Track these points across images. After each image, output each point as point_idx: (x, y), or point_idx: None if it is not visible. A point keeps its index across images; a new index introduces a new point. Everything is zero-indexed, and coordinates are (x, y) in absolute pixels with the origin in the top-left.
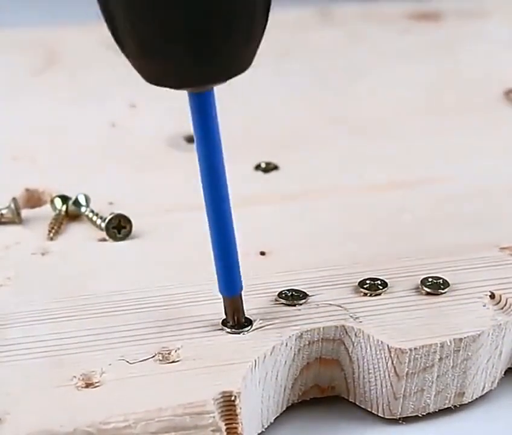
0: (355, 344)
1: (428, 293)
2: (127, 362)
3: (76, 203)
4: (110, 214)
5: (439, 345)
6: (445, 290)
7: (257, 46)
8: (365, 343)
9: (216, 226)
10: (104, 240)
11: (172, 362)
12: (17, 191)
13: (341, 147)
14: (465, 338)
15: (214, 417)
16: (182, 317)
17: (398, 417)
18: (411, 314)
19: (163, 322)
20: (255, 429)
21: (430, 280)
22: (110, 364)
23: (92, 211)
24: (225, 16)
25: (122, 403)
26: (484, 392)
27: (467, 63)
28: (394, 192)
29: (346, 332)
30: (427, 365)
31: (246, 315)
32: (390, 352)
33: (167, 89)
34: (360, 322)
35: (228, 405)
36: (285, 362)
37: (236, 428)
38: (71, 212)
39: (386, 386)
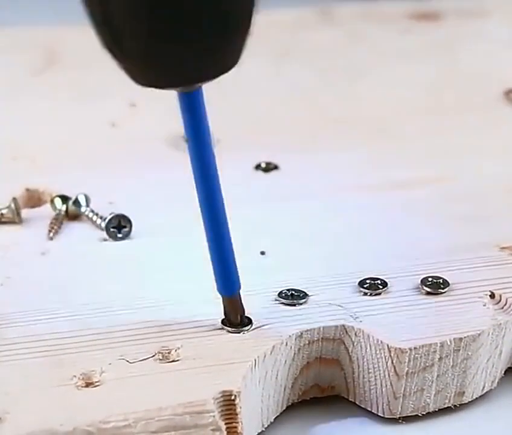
0: (355, 344)
1: (428, 293)
2: (127, 361)
3: (77, 203)
4: (110, 214)
5: (439, 344)
6: (445, 289)
7: (243, 43)
8: (365, 343)
9: (210, 225)
10: (104, 240)
11: (172, 361)
12: (17, 191)
13: (341, 147)
14: (465, 337)
15: (214, 416)
16: (182, 317)
17: (398, 416)
18: (411, 314)
19: (163, 322)
20: (255, 428)
21: (430, 279)
22: (110, 363)
23: (92, 211)
24: (210, 14)
25: (122, 402)
26: (484, 391)
27: (467, 63)
28: (394, 192)
29: (346, 332)
30: (427, 364)
31: (246, 315)
32: (390, 352)
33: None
34: (360, 321)
35: (228, 404)
36: (285, 361)
37: (236, 427)
38: (71, 212)
39: (386, 385)
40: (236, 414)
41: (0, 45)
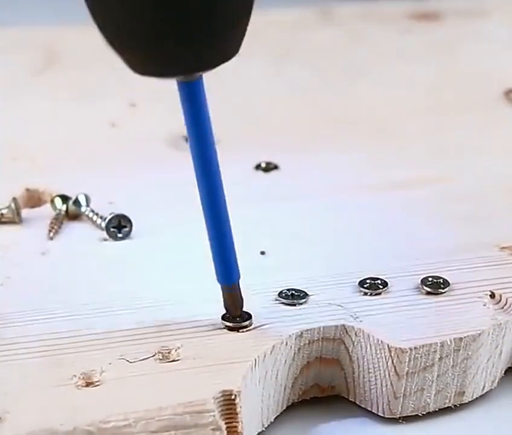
0: (355, 344)
1: (428, 293)
2: (127, 361)
3: (77, 203)
4: (111, 214)
5: (439, 344)
6: (446, 289)
7: (243, 32)
8: (365, 342)
9: (210, 213)
10: (104, 239)
11: (173, 361)
12: (17, 191)
13: (341, 147)
14: (465, 337)
15: (214, 415)
16: (182, 317)
17: (398, 416)
18: (411, 313)
19: (163, 322)
20: (255, 428)
21: (430, 279)
22: (110, 363)
23: (92, 211)
24: (210, 2)
25: (122, 402)
26: (484, 391)
27: (467, 63)
28: (394, 192)
29: (347, 331)
30: (427, 364)
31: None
32: (390, 351)
33: (164, 86)
34: (360, 321)
35: (228, 404)
36: (286, 361)
37: (236, 426)
38: (71, 212)
39: (386, 385)
40: (237, 414)
41: (0, 45)
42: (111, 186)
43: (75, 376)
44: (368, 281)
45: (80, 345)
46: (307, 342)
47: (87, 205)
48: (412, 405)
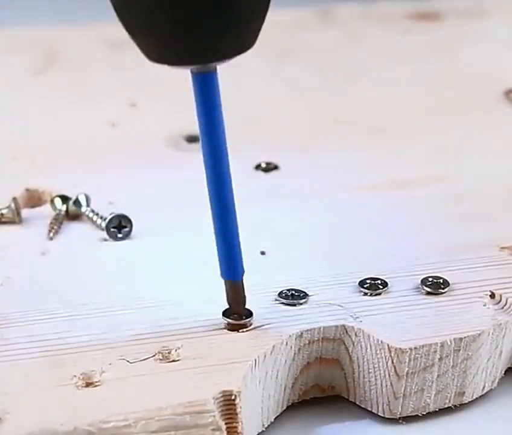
0: (355, 344)
1: (428, 293)
2: (127, 361)
3: (77, 203)
4: (111, 214)
5: (439, 344)
6: (446, 289)
7: (261, 24)
8: (365, 343)
9: (218, 208)
10: (104, 240)
11: (173, 361)
12: (17, 191)
13: (341, 147)
14: (465, 337)
15: (214, 416)
16: (182, 317)
17: (398, 416)
18: (411, 314)
19: (163, 322)
20: (255, 428)
21: (430, 279)
22: (110, 364)
23: (93, 211)
24: None
25: (122, 402)
26: (484, 391)
27: (467, 63)
28: (394, 192)
29: (347, 332)
30: (427, 364)
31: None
32: (390, 352)
33: (164, 86)
34: (360, 321)
35: (228, 404)
36: (286, 361)
37: (236, 427)
38: (71, 212)
39: (386, 385)
40: (237, 414)
41: (0, 45)
42: (111, 186)
43: (75, 376)
44: (368, 281)
45: (80, 346)
46: (307, 342)
47: (88, 205)
48: (412, 405)
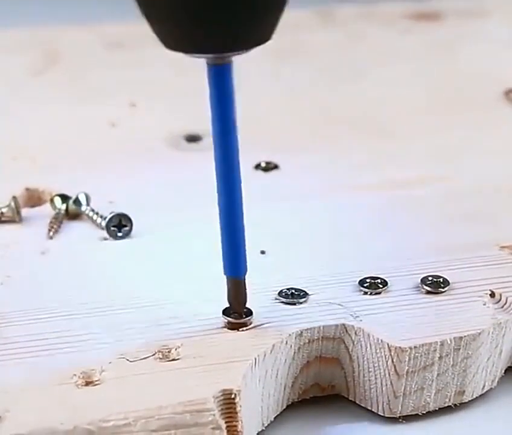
0: (355, 343)
1: (428, 292)
2: (127, 360)
3: (77, 202)
4: (111, 213)
5: (439, 343)
6: (446, 289)
7: (278, 17)
8: (365, 342)
9: (226, 204)
10: (104, 239)
11: (173, 360)
12: (17, 191)
13: (341, 147)
14: (465, 336)
15: (214, 415)
16: (182, 315)
17: (398, 415)
18: (411, 313)
19: (163, 321)
20: (255, 427)
21: (430, 278)
22: (110, 362)
23: (93, 210)
24: None
25: (122, 401)
26: (484, 391)
27: (467, 63)
28: (394, 192)
29: (346, 331)
30: (427, 363)
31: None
32: (390, 351)
33: (164, 87)
34: (360, 320)
35: (228, 403)
36: (286, 360)
37: (236, 426)
38: (72, 212)
39: (386, 384)
40: (237, 413)
41: (0, 44)
42: (111, 186)
43: (75, 375)
44: (367, 280)
45: (80, 345)
46: (307, 341)
47: (88, 204)
48: (412, 404)
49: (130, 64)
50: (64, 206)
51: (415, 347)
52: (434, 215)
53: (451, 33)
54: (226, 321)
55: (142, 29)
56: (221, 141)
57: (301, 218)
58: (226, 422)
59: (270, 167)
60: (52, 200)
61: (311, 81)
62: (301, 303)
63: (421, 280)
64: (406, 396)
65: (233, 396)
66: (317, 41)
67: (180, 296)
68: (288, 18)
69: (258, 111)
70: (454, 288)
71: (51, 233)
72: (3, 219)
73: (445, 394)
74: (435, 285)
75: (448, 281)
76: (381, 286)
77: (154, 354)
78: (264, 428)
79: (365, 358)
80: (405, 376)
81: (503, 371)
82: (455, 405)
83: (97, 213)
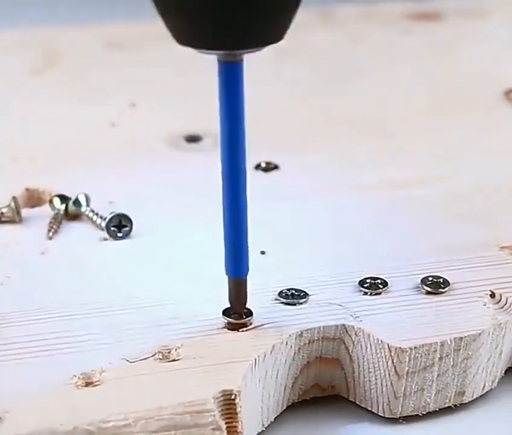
0: (355, 343)
1: (428, 293)
2: (127, 361)
3: (77, 202)
4: (111, 213)
5: (439, 344)
6: (446, 289)
7: (291, 17)
8: (365, 342)
9: (231, 202)
10: (104, 239)
11: (173, 360)
12: (17, 191)
13: (341, 147)
14: (465, 337)
15: (214, 415)
16: (182, 316)
17: (399, 416)
18: (411, 313)
19: (163, 321)
20: (255, 428)
21: (430, 279)
22: (110, 363)
23: (92, 211)
24: None
25: (122, 401)
26: (484, 391)
27: (467, 63)
28: (394, 192)
29: (347, 331)
30: (427, 364)
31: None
32: (390, 351)
33: (164, 87)
34: (361, 321)
35: (228, 404)
36: (286, 361)
37: (236, 426)
38: (71, 212)
39: (386, 385)
40: (237, 414)
41: (0, 44)
42: (111, 186)
43: (75, 375)
44: (368, 280)
45: (80, 345)
46: (307, 341)
47: (87, 205)
48: (412, 405)
49: (130, 64)
50: (63, 207)
51: (415, 347)
52: (434, 215)
53: (452, 33)
54: (226, 321)
55: (142, 29)
56: (228, 140)
57: (301, 218)
58: (226, 423)
59: (270, 167)
60: (51, 201)
61: (311, 81)
62: (301, 303)
63: (421, 280)
64: (406, 397)
65: (233, 396)
66: (317, 41)
67: (180, 296)
68: None
69: (258, 111)
70: (455, 288)
71: (51, 234)
72: (3, 219)
73: (446, 395)
74: (435, 285)
75: (448, 282)
76: (381, 286)
77: (154, 355)
78: (264, 429)
79: (365, 359)
80: (405, 376)
81: (503, 372)
82: (455, 405)
83: (97, 214)
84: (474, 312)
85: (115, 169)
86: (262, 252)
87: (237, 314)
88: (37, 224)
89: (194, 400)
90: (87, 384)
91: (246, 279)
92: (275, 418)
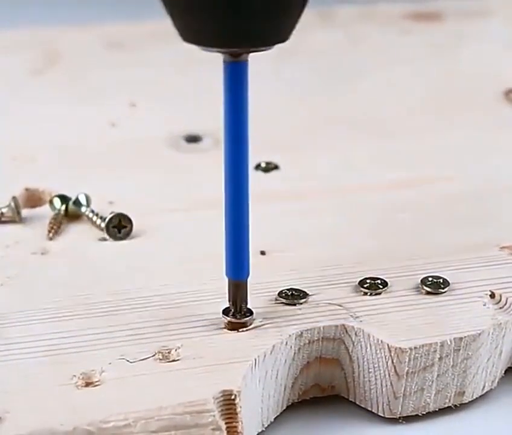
0: (355, 343)
1: (428, 293)
2: (127, 361)
3: (77, 203)
4: (111, 214)
5: (439, 344)
6: (445, 289)
7: (297, 19)
8: (365, 342)
9: (233, 204)
10: (104, 239)
11: (173, 361)
12: (17, 191)
13: (341, 147)
14: (465, 337)
15: (214, 415)
16: (182, 316)
17: (398, 416)
18: (411, 313)
19: (163, 321)
20: (255, 428)
21: (430, 279)
22: (110, 363)
23: (92, 211)
24: None
25: (122, 402)
26: (484, 391)
27: (467, 63)
28: (394, 192)
29: (347, 331)
30: (427, 364)
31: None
32: (390, 351)
33: (164, 87)
34: (360, 321)
35: (228, 404)
36: (286, 361)
37: (236, 426)
38: (71, 212)
39: (386, 385)
40: (237, 414)
41: (0, 44)
42: (111, 186)
43: (75, 376)
44: (368, 281)
45: (80, 345)
46: (307, 342)
47: (88, 205)
48: (412, 405)
49: (130, 64)
50: (63, 207)
51: (415, 347)
52: (434, 215)
53: (452, 33)
54: (226, 321)
55: (142, 29)
56: (232, 140)
57: (301, 218)
58: (226, 423)
59: (270, 167)
60: (51, 201)
61: (311, 81)
62: (301, 304)
63: (421, 280)
64: (406, 397)
65: (233, 396)
66: (317, 41)
67: (180, 296)
68: None
69: (258, 111)
70: (454, 289)
71: (51, 234)
72: (3, 219)
73: (445, 395)
74: (435, 286)
75: (448, 282)
76: (381, 286)
77: (154, 355)
78: (264, 429)
79: (365, 359)
80: (405, 376)
81: (503, 372)
82: (455, 405)
83: (97, 214)
84: (474, 312)
85: (115, 169)
86: (262, 252)
87: (237, 314)
88: (37, 224)
89: (194, 400)
90: (87, 384)
91: (247, 280)
92: (275, 419)
